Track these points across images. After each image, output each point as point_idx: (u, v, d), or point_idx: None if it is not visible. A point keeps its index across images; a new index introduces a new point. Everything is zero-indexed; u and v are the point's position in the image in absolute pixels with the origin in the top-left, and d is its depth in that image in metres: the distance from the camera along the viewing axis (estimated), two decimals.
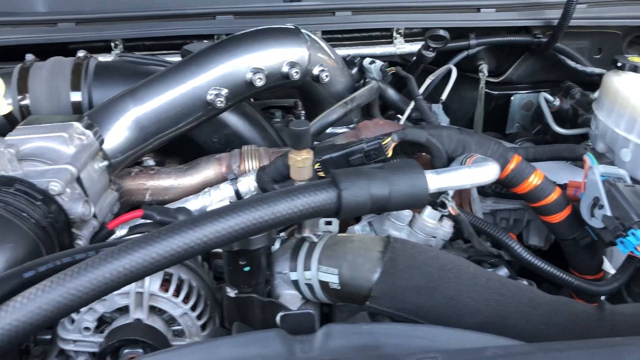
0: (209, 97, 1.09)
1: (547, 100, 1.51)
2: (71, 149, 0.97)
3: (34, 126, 0.99)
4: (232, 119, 1.25)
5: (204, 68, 1.08)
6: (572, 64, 1.54)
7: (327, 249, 0.81)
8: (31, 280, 0.68)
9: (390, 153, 0.98)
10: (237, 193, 1.10)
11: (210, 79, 1.08)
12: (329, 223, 0.90)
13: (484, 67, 1.59)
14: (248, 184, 1.10)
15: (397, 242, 0.77)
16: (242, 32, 1.12)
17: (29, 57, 1.24)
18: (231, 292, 0.85)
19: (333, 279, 0.79)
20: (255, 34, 1.12)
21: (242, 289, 0.84)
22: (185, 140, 1.22)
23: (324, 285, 0.81)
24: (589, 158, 0.97)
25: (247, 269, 0.82)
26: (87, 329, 0.88)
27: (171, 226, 0.67)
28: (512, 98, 1.66)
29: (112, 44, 1.43)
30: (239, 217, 0.67)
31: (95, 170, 1.00)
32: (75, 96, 1.17)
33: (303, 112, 1.50)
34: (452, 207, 0.89)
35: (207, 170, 1.17)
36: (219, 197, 1.10)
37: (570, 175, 1.08)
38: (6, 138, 0.96)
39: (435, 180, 0.76)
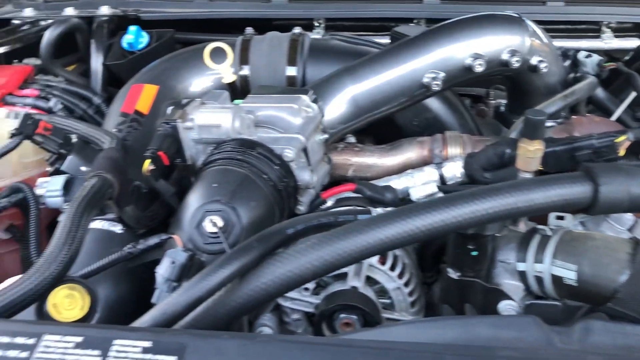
0: (425, 80, 1.10)
1: None
2: (299, 120, 1.02)
3: (265, 96, 1.06)
4: (434, 104, 1.25)
5: (423, 51, 1.09)
6: None
7: (564, 244, 0.79)
8: (291, 237, 0.73)
9: (622, 152, 0.93)
10: (442, 178, 1.10)
11: (429, 62, 1.09)
12: (560, 218, 0.88)
13: None
14: (453, 170, 1.10)
15: None
16: (464, 17, 1.12)
17: (249, 30, 1.32)
18: (453, 274, 0.86)
19: (569, 275, 0.77)
20: (478, 19, 1.11)
21: (466, 273, 0.85)
22: (385, 121, 1.24)
23: (556, 279, 0.79)
24: None
25: (474, 253, 0.83)
26: (306, 289, 0.94)
27: (429, 202, 0.69)
28: None
29: (315, 23, 1.49)
30: (494, 200, 0.68)
31: (316, 142, 1.05)
32: (291, 71, 1.24)
33: (494, 101, 1.47)
34: None
35: (410, 152, 1.19)
36: (423, 179, 1.11)
37: None
38: (242, 105, 1.04)
39: None
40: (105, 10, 1.49)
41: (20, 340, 0.51)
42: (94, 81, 1.42)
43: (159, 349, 0.49)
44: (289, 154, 0.96)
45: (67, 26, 1.39)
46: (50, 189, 0.94)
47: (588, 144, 0.95)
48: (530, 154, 0.87)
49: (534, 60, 1.12)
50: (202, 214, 0.84)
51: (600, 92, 1.29)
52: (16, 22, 1.54)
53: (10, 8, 1.60)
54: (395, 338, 0.62)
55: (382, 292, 0.95)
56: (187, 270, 0.81)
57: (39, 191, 0.95)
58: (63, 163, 1.00)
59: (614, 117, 1.20)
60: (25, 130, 0.96)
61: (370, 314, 0.90)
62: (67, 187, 0.95)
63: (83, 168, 0.97)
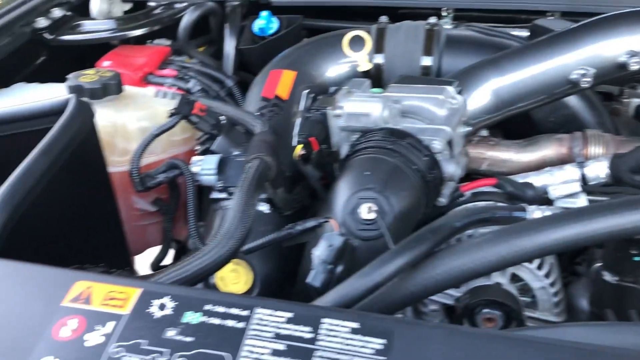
0: (573, 76, 1.06)
1: None
2: (443, 111, 1.01)
3: (410, 85, 1.06)
4: (573, 101, 1.22)
5: (574, 46, 1.06)
6: None
7: None
8: (459, 229, 0.74)
9: None
10: (584, 177, 1.07)
11: (580, 59, 1.05)
12: None
13: None
14: (597, 170, 1.06)
15: None
16: (620, 12, 1.07)
17: (383, 18, 1.32)
18: (610, 278, 0.84)
19: None
20: (636, 14, 1.06)
21: (624, 278, 0.83)
22: (519, 115, 1.21)
23: None
24: None
25: (637, 259, 0.81)
26: None
27: (609, 204, 0.67)
28: None
29: (443, 13, 1.47)
30: None
31: (459, 134, 1.04)
32: (427, 61, 1.23)
33: (626, 99, 1.41)
34: None
35: (547, 149, 1.16)
36: (563, 178, 1.08)
37: None
38: (387, 94, 1.04)
39: None
40: None
41: (235, 311, 0.54)
42: (226, 64, 1.47)
43: (367, 331, 0.51)
44: (437, 145, 0.96)
45: (204, 9, 1.45)
46: (205, 167, 0.99)
47: None
48: None
49: None
50: (357, 201, 0.85)
51: None
52: (152, 4, 1.61)
53: None
54: (574, 339, 0.62)
55: (524, 290, 0.94)
56: (342, 254, 0.83)
57: (194, 168, 1.00)
58: (213, 143, 1.04)
59: None
60: (183, 111, 1.01)
61: (514, 311, 0.90)
62: (220, 167, 0.99)
63: (233, 150, 1.01)
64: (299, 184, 1.04)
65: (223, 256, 0.71)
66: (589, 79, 1.05)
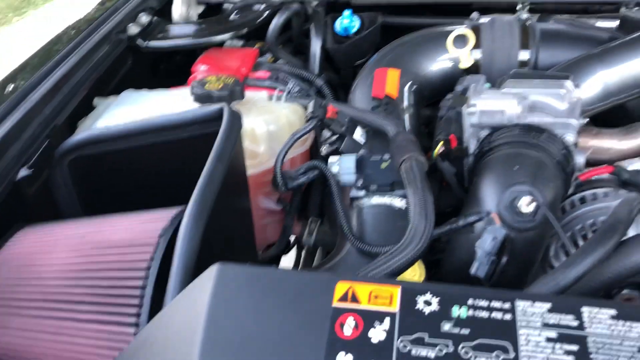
0: None
1: None
2: (564, 104, 1.07)
3: (528, 80, 1.11)
4: None
5: None
6: None
7: None
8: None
9: None
10: None
11: None
12: None
13: None
14: None
15: None
16: None
17: (475, 15, 1.37)
18: None
19: None
20: None
21: None
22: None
23: None
24: None
25: None
26: None
27: None
28: None
29: (519, 6, 1.52)
30: None
31: (580, 126, 1.10)
32: (524, 55, 1.28)
33: None
34: None
35: None
36: None
37: None
38: (503, 90, 1.09)
39: None
40: None
41: (497, 304, 0.59)
42: (312, 64, 1.51)
43: (627, 316, 0.57)
44: (570, 138, 1.01)
45: (292, 11, 1.48)
46: (344, 167, 1.03)
47: None
48: None
49: None
50: (513, 194, 0.91)
51: None
52: (228, 6, 1.64)
53: None
54: None
55: None
56: (504, 246, 0.89)
57: (334, 169, 1.05)
58: (342, 144, 1.09)
59: None
60: (319, 114, 1.06)
61: None
62: (359, 167, 1.04)
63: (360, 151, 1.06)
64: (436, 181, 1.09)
65: (419, 251, 0.77)
66: None
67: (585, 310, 0.58)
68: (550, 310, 0.58)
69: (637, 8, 1.39)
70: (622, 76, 1.15)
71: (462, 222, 0.91)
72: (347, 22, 1.50)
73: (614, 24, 1.35)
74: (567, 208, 1.08)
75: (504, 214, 0.91)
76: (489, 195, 0.94)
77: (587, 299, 0.60)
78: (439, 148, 1.01)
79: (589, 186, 1.11)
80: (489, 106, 1.02)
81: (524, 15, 1.34)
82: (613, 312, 0.58)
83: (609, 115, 1.32)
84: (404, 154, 0.94)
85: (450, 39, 1.22)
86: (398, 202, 1.04)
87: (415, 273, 0.90)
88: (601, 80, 1.16)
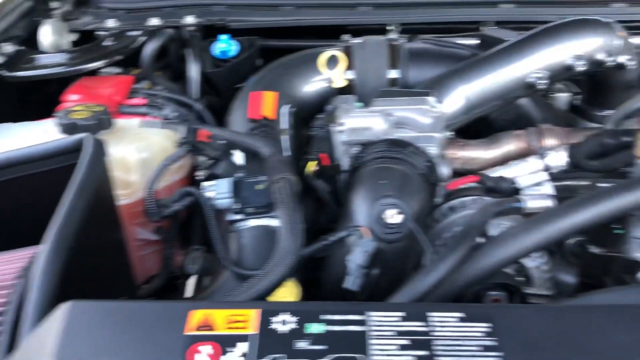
0: (529, 79, 1.22)
1: None
2: (428, 119, 1.12)
3: (394, 98, 1.15)
4: (523, 100, 1.37)
5: (529, 53, 1.21)
6: None
7: None
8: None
9: None
10: (547, 167, 1.22)
11: (535, 63, 1.21)
12: None
13: None
14: (557, 160, 1.22)
15: None
16: (563, 21, 1.24)
17: (346, 37, 1.42)
18: (597, 250, 0.98)
19: None
20: (577, 23, 1.23)
21: (610, 249, 0.97)
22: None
23: None
24: None
25: (620, 231, 0.96)
26: None
27: (607, 190, 0.81)
28: None
29: (389, 27, 1.59)
30: None
31: (443, 139, 1.16)
32: (393, 74, 1.34)
33: (556, 94, 1.60)
34: None
35: (509, 145, 1.31)
36: (529, 169, 1.22)
37: None
38: (382, 107, 1.13)
39: None
40: (190, 20, 1.56)
41: (351, 317, 0.60)
42: (191, 88, 1.49)
43: (472, 318, 0.60)
44: (433, 150, 1.06)
45: (166, 37, 1.46)
46: (220, 191, 1.02)
47: None
48: None
49: (621, 59, 1.25)
50: (381, 207, 0.94)
51: None
52: (100, 33, 1.59)
53: (90, 19, 1.65)
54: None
55: (518, 271, 1.07)
56: (374, 258, 0.91)
57: (208, 194, 1.03)
58: (217, 167, 1.08)
59: None
60: (190, 139, 1.04)
61: (516, 290, 1.02)
62: (236, 189, 1.03)
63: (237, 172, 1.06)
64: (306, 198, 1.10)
65: (287, 271, 0.77)
66: (544, 81, 1.21)
67: (434, 316, 0.60)
68: (403, 319, 0.60)
69: (495, 27, 1.49)
70: (481, 90, 1.23)
71: (333, 238, 0.92)
72: (224, 46, 1.50)
73: (476, 41, 1.44)
74: (438, 217, 1.13)
75: (373, 226, 0.93)
76: (359, 209, 0.96)
77: (436, 305, 0.62)
78: (311, 166, 1.03)
79: (458, 195, 1.17)
80: (356, 124, 1.06)
81: (393, 36, 1.40)
82: (461, 314, 0.60)
83: (475, 127, 1.41)
84: (276, 174, 0.94)
85: (321, 60, 1.25)
86: (275, 223, 1.04)
87: (290, 293, 0.90)
88: (462, 95, 1.23)
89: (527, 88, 1.23)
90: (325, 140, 1.06)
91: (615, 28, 1.24)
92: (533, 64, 1.21)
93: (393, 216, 0.93)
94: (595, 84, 1.37)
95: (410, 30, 1.59)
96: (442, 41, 1.43)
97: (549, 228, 0.77)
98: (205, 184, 1.05)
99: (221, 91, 1.54)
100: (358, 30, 1.54)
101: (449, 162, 1.30)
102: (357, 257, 0.89)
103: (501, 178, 1.20)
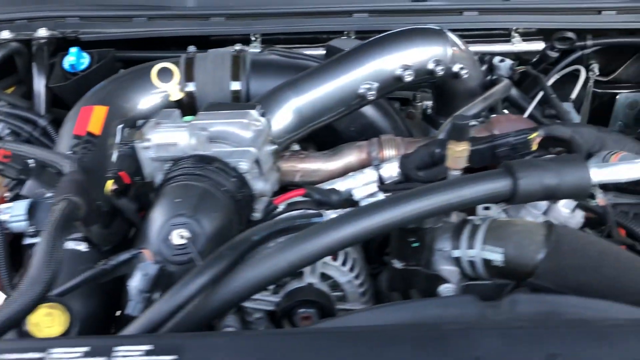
0: (361, 90, 1.20)
1: None
2: (249, 133, 1.10)
3: (216, 112, 1.13)
4: (369, 111, 1.36)
5: (358, 64, 1.20)
6: None
7: (492, 231, 0.92)
8: (258, 242, 0.82)
9: (535, 147, 1.07)
10: (380, 178, 1.21)
11: (364, 74, 1.20)
12: (487, 208, 1.01)
13: (595, 67, 1.66)
14: (390, 170, 1.21)
15: (560, 228, 0.87)
16: (393, 31, 1.23)
17: (191, 48, 1.38)
18: (398, 264, 0.97)
19: (497, 257, 0.90)
20: (405, 33, 1.22)
21: (409, 262, 0.96)
22: (325, 128, 1.34)
23: (486, 262, 0.92)
24: None
25: (416, 244, 0.94)
26: (266, 289, 1.02)
27: (377, 203, 0.79)
28: (617, 97, 1.71)
29: (252, 37, 1.57)
30: (431, 198, 0.79)
31: (267, 153, 1.13)
32: (235, 85, 1.31)
33: (420, 104, 1.61)
34: (600, 198, 0.98)
35: (350, 156, 1.29)
36: (364, 180, 1.21)
37: None
38: (196, 122, 1.11)
39: (598, 174, 0.86)
40: (43, 32, 1.51)
41: (30, 355, 0.57)
42: (37, 103, 1.44)
43: (160, 351, 0.57)
44: (243, 166, 1.04)
45: (7, 50, 1.41)
46: (14, 214, 0.98)
47: (506, 142, 1.08)
48: (457, 154, 0.99)
49: (455, 68, 1.25)
50: (169, 228, 0.90)
51: (514, 92, 1.45)
52: None
53: None
54: (358, 324, 0.72)
55: (335, 285, 1.05)
56: (158, 282, 0.88)
57: (2, 217, 0.99)
58: (22, 188, 1.03)
59: (526, 114, 1.36)
60: None
61: (327, 307, 1.00)
62: (31, 211, 0.99)
63: (45, 192, 1.01)
64: (118, 218, 1.06)
65: (29, 302, 0.73)
66: (373, 92, 1.20)
67: (120, 350, 0.57)
68: (86, 355, 0.57)
69: (345, 37, 1.49)
70: (312, 102, 1.21)
71: (112, 262, 0.89)
72: (73, 59, 1.45)
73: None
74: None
75: (161, 247, 0.90)
76: (152, 229, 0.93)
77: (124, 338, 0.59)
78: (110, 186, 0.99)
79: (288, 209, 1.14)
80: (162, 139, 1.02)
81: (238, 47, 1.38)
82: (148, 347, 0.57)
83: (326, 138, 1.39)
84: (60, 194, 0.90)
85: (153, 73, 1.22)
86: (76, 245, 1.00)
87: (55, 323, 0.86)
88: (295, 108, 1.21)
89: (358, 99, 1.21)
90: (128, 157, 1.03)
91: (447, 36, 1.24)
92: (362, 75, 1.20)
93: (180, 237, 0.89)
94: (440, 93, 1.38)
95: (273, 41, 1.58)
96: (290, 52, 1.42)
97: (307, 247, 0.75)
98: (1, 206, 1.00)
99: (71, 105, 1.48)
100: (222, 42, 1.52)
101: (291, 174, 1.29)
102: (136, 281, 0.86)
103: (332, 190, 1.18)
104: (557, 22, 1.48)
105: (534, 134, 1.06)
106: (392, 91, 1.26)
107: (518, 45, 1.57)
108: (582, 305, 0.74)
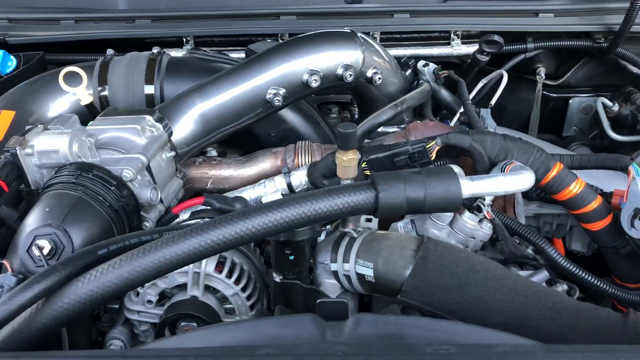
0: (268, 96, 1.17)
1: (605, 105, 1.51)
2: (143, 139, 1.07)
3: (111, 117, 1.10)
4: (289, 116, 1.33)
5: (264, 69, 1.16)
6: (634, 69, 1.53)
7: (365, 244, 0.88)
8: (104, 257, 0.78)
9: (434, 156, 1.03)
10: (290, 186, 1.18)
11: (270, 79, 1.16)
12: (369, 220, 0.97)
13: (542, 70, 1.61)
14: (300, 178, 1.18)
15: (430, 242, 0.83)
16: (300, 35, 1.19)
17: (110, 51, 1.36)
18: (277, 278, 0.93)
19: (369, 272, 0.86)
20: (313, 37, 1.19)
21: (287, 276, 0.92)
22: (246, 134, 1.31)
23: (360, 277, 0.88)
24: (633, 169, 0.98)
25: (291, 257, 0.90)
26: (149, 301, 0.99)
27: (225, 217, 0.75)
28: (570, 101, 1.66)
29: (184, 40, 1.54)
30: (284, 211, 0.75)
31: (164, 160, 1.10)
32: (149, 89, 1.28)
33: (355, 108, 1.57)
34: (487, 212, 0.94)
35: (264, 163, 1.26)
36: (273, 188, 1.18)
37: (620, 184, 1.09)
38: (87, 128, 1.08)
39: (470, 187, 0.82)
40: None
41: None
42: None
43: None
44: (127, 174, 1.00)
45: None
46: None
47: (404, 150, 1.04)
48: (345, 163, 0.95)
49: (369, 73, 1.21)
50: (32, 238, 0.88)
51: (447, 96, 1.40)
52: None
53: None
54: (194, 343, 0.69)
55: (226, 298, 1.02)
56: None
57: None
58: None
59: (453, 121, 1.31)
60: None
61: (207, 321, 0.97)
62: None
63: None
64: (3, 226, 1.03)
65: None
66: (280, 98, 1.16)
67: None
68: None
69: (269, 40, 1.45)
70: (218, 108, 1.17)
71: None
72: None
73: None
74: None
75: (24, 258, 0.87)
76: (20, 239, 0.90)
77: None
78: None
79: (192, 217, 1.11)
80: (44, 146, 1.00)
81: (156, 49, 1.35)
82: None
83: (248, 144, 1.36)
84: None
85: (60, 77, 1.20)
86: None
87: None
88: (200, 113, 1.17)
89: (266, 105, 1.18)
90: (7, 164, 1.00)
91: (359, 40, 1.20)
92: (268, 80, 1.16)
93: (42, 248, 0.87)
94: (360, 99, 1.33)
95: (203, 44, 1.55)
96: (213, 55, 1.38)
97: (141, 262, 0.71)
98: None
99: None
100: (155, 44, 1.49)
101: (202, 180, 1.26)
102: None
103: (237, 198, 1.15)
104: (493, 24, 1.43)
105: (432, 143, 1.02)
106: (303, 97, 1.22)
107: (457, 48, 1.53)
108: (428, 327, 0.70)
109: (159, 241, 0.73)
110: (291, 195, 0.78)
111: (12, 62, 1.46)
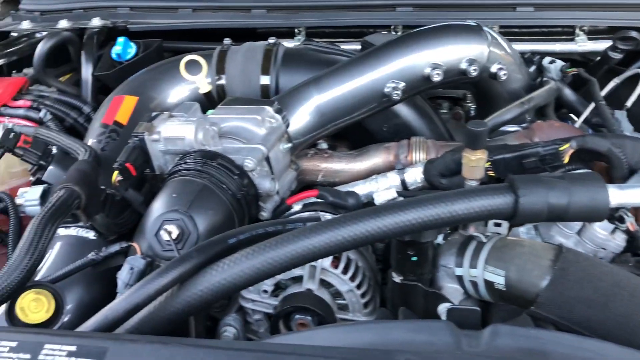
0: (386, 90, 1.14)
1: None
2: (262, 130, 1.08)
3: (232, 107, 1.11)
4: (403, 110, 1.29)
5: (383, 62, 1.14)
6: None
7: (496, 251, 0.84)
8: (233, 246, 0.79)
9: (567, 159, 0.96)
10: (404, 183, 1.14)
11: (389, 73, 1.13)
12: (498, 225, 0.92)
13: None
14: (415, 175, 1.14)
15: (570, 253, 0.78)
16: (423, 27, 1.16)
17: (227, 41, 1.38)
18: (397, 278, 0.91)
19: (499, 280, 0.81)
20: (436, 30, 1.14)
21: (408, 277, 0.90)
22: (357, 127, 1.29)
23: (488, 284, 0.84)
24: None
25: (414, 259, 0.88)
26: (265, 291, 1.00)
27: (355, 213, 0.74)
28: None
29: (296, 30, 1.54)
30: (417, 212, 0.72)
31: (281, 151, 1.10)
32: (265, 80, 1.29)
33: (470, 104, 1.51)
34: (631, 223, 0.87)
35: (376, 158, 1.23)
36: (386, 184, 1.15)
37: None
38: (209, 116, 1.10)
39: (618, 196, 0.75)
40: (96, 22, 1.57)
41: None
42: (85, 91, 1.49)
43: (82, 353, 0.56)
44: (249, 164, 1.01)
45: (58, 38, 1.47)
46: (28, 198, 1.01)
47: (534, 152, 0.98)
48: (473, 163, 0.91)
49: (493, 68, 1.15)
50: (160, 223, 0.90)
51: (570, 95, 1.32)
52: (14, 34, 1.62)
53: (9, 21, 1.69)
54: (319, 342, 0.68)
55: (339, 294, 1.00)
56: (144, 276, 0.87)
57: (18, 200, 1.03)
58: (44, 173, 1.07)
59: (579, 122, 1.23)
60: (7, 144, 1.04)
61: (323, 315, 0.96)
62: (45, 197, 1.02)
63: None
64: (129, 208, 1.07)
65: (7, 288, 0.74)
66: (399, 92, 1.13)
67: (47, 348, 0.57)
68: (11, 350, 0.57)
69: (388, 31, 1.42)
70: (334, 100, 1.16)
71: (102, 254, 0.89)
72: (120, 48, 1.49)
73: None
74: None
75: (152, 242, 0.90)
76: (147, 223, 0.93)
77: (54, 335, 0.58)
78: (116, 177, 1.00)
79: (304, 209, 1.11)
80: (170, 133, 1.02)
81: (272, 40, 1.35)
82: (72, 348, 0.56)
83: (359, 138, 1.34)
84: (63, 182, 0.92)
85: (182, 65, 1.22)
86: (85, 233, 1.02)
87: (42, 308, 0.87)
88: (316, 106, 1.16)
89: (384, 99, 1.15)
90: (136, 149, 1.03)
91: (484, 34, 1.15)
92: (388, 73, 1.13)
93: (169, 232, 0.89)
94: (480, 95, 1.28)
95: (318, 35, 1.54)
96: (327, 46, 1.37)
97: (275, 254, 0.71)
98: (20, 190, 1.04)
99: None
100: (267, 34, 1.50)
101: (313, 173, 1.25)
102: (124, 274, 0.86)
103: (349, 193, 1.13)
104: (624, 19, 1.33)
105: (565, 145, 0.95)
106: (422, 91, 1.19)
107: (583, 44, 1.44)
108: (574, 345, 0.65)
109: (290, 234, 0.72)
110: (424, 196, 0.75)
111: (132, 49, 1.52)
